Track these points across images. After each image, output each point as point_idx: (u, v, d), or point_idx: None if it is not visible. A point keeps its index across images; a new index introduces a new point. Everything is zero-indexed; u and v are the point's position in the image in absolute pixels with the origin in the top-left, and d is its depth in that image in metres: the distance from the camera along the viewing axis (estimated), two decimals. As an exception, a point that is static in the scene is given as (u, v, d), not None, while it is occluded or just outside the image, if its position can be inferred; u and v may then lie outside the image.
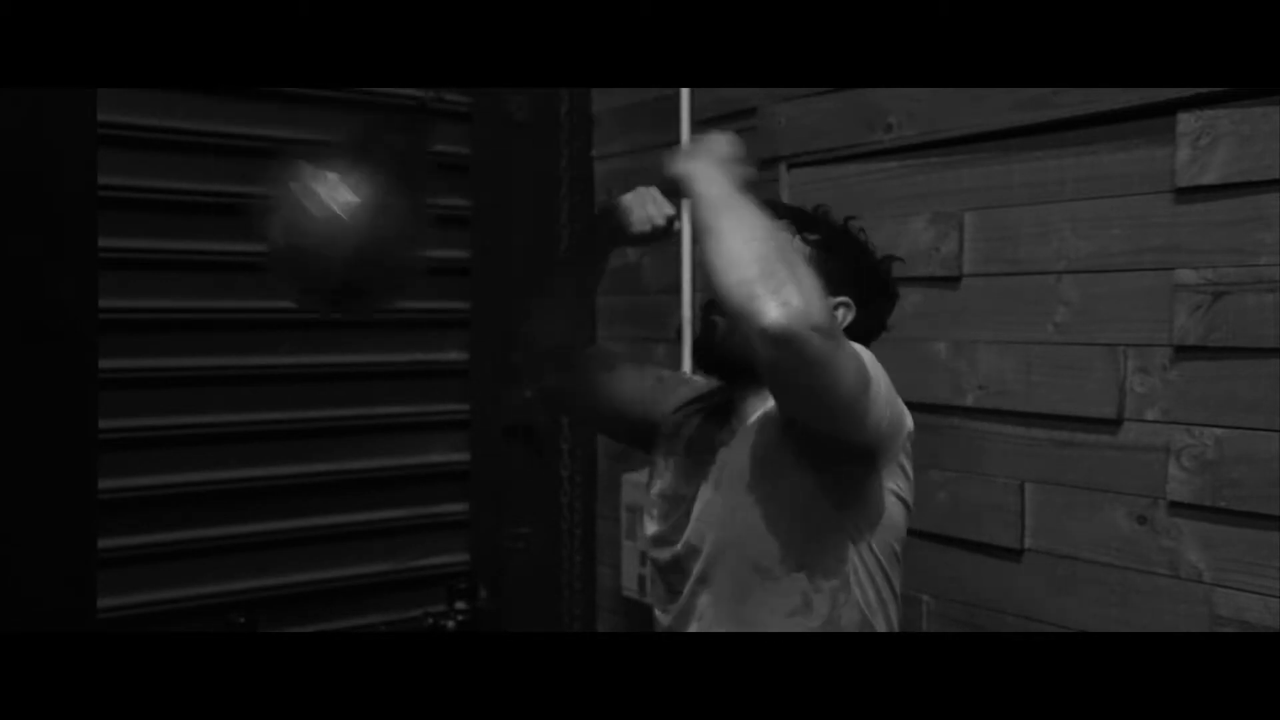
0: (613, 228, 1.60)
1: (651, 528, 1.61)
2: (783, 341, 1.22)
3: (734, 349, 1.47)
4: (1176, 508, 1.77)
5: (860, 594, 1.44)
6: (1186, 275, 1.75)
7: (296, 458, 2.58)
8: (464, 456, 2.79)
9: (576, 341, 1.69)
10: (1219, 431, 1.72)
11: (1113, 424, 1.85)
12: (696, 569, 1.50)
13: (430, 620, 2.58)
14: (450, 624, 2.56)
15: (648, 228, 1.55)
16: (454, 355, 2.77)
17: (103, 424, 2.27)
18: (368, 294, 1.46)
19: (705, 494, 1.51)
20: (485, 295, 2.76)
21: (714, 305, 1.53)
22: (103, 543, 2.28)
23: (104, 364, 2.26)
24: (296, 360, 2.56)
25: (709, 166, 1.39)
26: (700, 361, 1.61)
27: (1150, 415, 1.81)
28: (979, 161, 2.05)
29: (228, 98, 2.46)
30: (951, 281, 2.07)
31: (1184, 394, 1.76)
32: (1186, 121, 1.74)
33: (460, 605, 2.58)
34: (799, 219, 1.57)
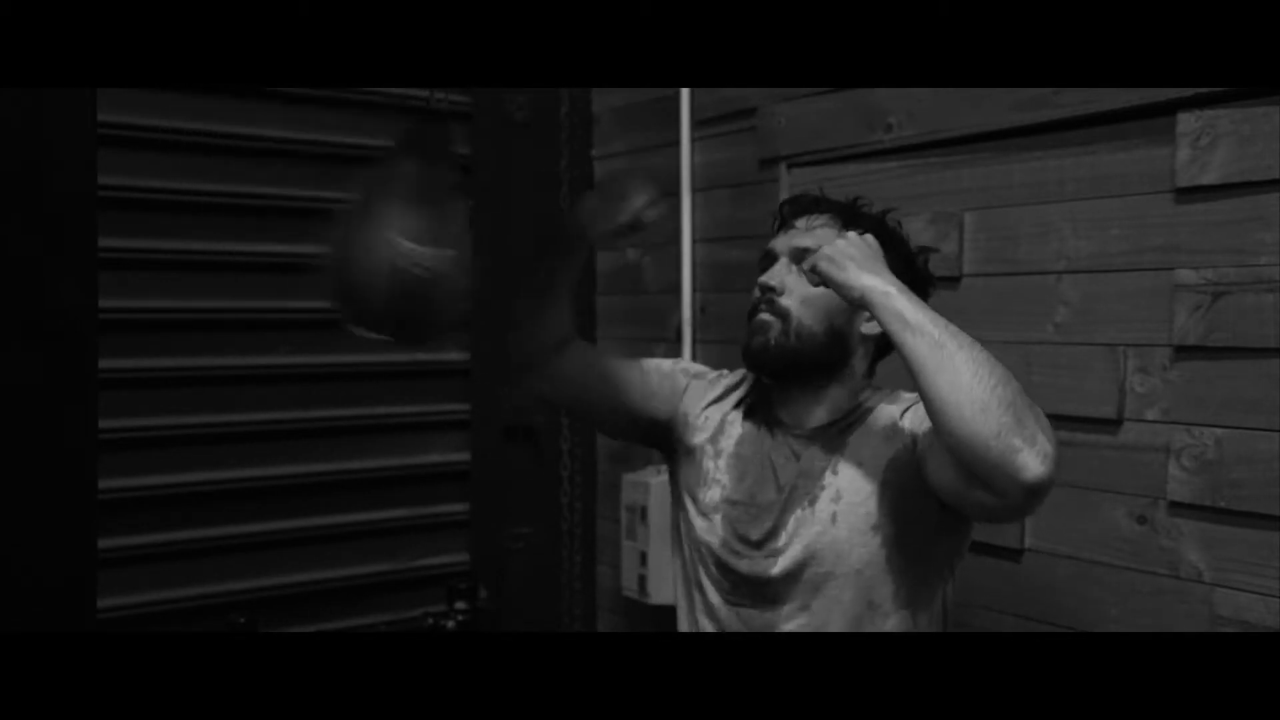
0: (582, 224, 1.54)
1: (709, 533, 1.55)
2: (1044, 490, 1.23)
3: (788, 350, 1.48)
4: (1176, 508, 1.77)
5: (943, 621, 1.47)
6: (1186, 275, 1.75)
7: (296, 458, 2.58)
8: (464, 456, 2.79)
9: (560, 344, 1.63)
10: (1219, 431, 1.72)
11: (1113, 424, 1.85)
12: (795, 592, 1.47)
13: (430, 620, 2.58)
14: (450, 624, 2.56)
15: (626, 218, 1.49)
16: (454, 355, 2.77)
17: (103, 424, 2.27)
18: (412, 327, 1.46)
19: (808, 519, 1.47)
20: (485, 295, 2.75)
21: (769, 304, 1.50)
22: (103, 543, 2.28)
23: (104, 364, 2.27)
24: (296, 360, 2.56)
25: (889, 281, 1.33)
26: (755, 363, 1.55)
27: (1150, 415, 1.80)
28: (979, 161, 2.05)
29: (227, 98, 2.46)
30: (951, 281, 2.07)
31: (1184, 394, 1.76)
32: (1186, 121, 1.74)
33: (460, 605, 2.58)
34: (843, 213, 1.55)
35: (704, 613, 1.57)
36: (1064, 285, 1.92)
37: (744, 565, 1.52)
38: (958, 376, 1.24)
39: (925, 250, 1.61)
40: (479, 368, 2.77)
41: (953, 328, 1.30)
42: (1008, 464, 1.21)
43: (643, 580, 2.61)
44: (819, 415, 1.53)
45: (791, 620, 1.47)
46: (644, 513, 2.59)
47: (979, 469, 1.25)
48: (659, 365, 1.71)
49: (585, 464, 2.94)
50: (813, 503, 1.47)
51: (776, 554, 1.49)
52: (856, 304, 1.36)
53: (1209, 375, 1.73)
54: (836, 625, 1.45)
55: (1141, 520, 1.82)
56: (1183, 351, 1.76)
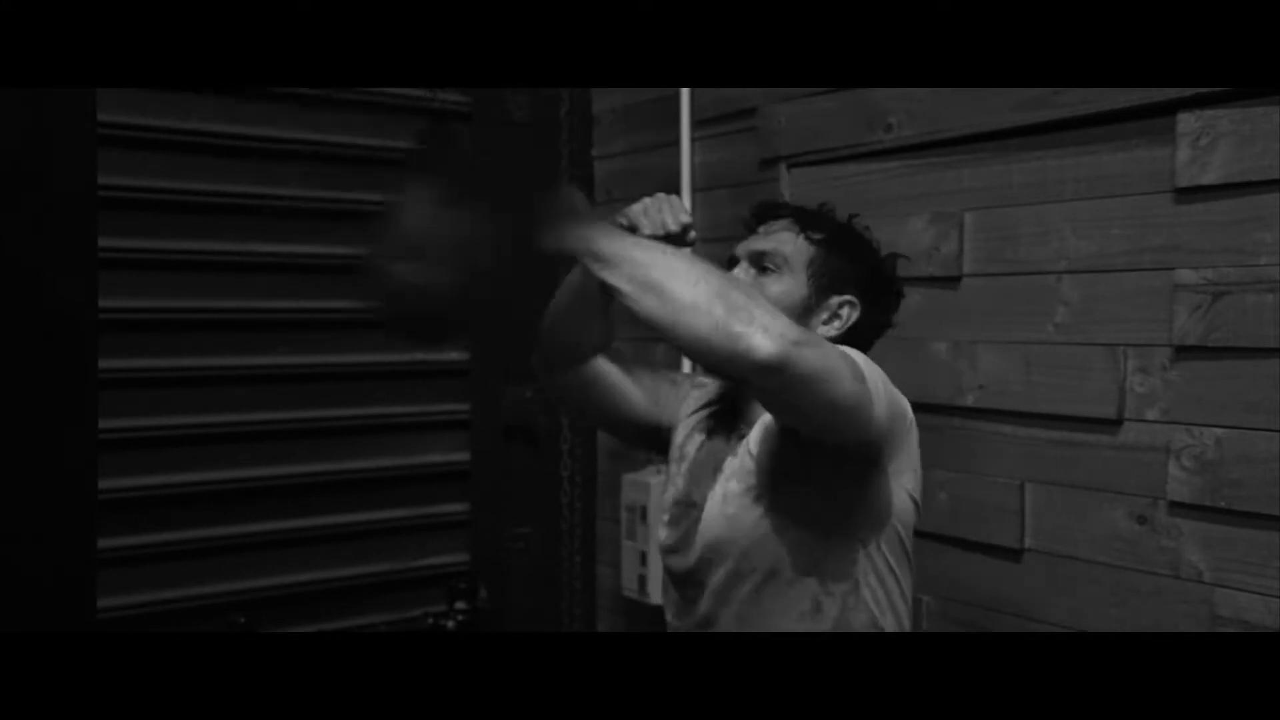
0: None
1: (663, 534, 1.59)
2: (779, 367, 1.21)
3: None
4: (1176, 508, 1.77)
5: (870, 595, 1.44)
6: (1186, 275, 1.75)
7: (296, 458, 2.58)
8: (464, 456, 2.79)
9: (593, 342, 1.63)
10: (1219, 431, 1.72)
11: (1113, 424, 1.85)
12: (712, 578, 1.49)
13: (430, 620, 2.58)
14: (450, 624, 2.56)
15: (660, 232, 1.44)
16: (454, 355, 2.77)
17: (103, 424, 2.27)
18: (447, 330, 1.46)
19: (713, 502, 1.50)
20: (485, 297, 2.75)
21: None
22: (103, 543, 2.28)
23: (104, 364, 2.27)
24: (296, 360, 2.56)
25: (587, 226, 1.32)
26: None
27: (1150, 415, 1.80)
28: (979, 161, 2.05)
29: (228, 98, 2.46)
30: (951, 281, 2.07)
31: (1184, 394, 1.76)
32: (1186, 121, 1.74)
33: (460, 605, 2.58)
34: (801, 218, 1.57)
35: (673, 616, 1.59)
36: (1064, 285, 1.92)
37: (675, 561, 1.55)
38: (663, 288, 1.24)
39: (893, 256, 1.60)
40: (479, 368, 2.77)
41: (645, 246, 1.31)
42: (735, 352, 1.20)
43: (643, 580, 2.61)
44: (762, 413, 1.52)
45: (720, 606, 1.48)
46: (644, 513, 2.59)
47: (714, 366, 1.28)
48: (671, 374, 1.74)
49: (585, 464, 2.94)
50: (715, 485, 1.50)
51: (691, 545, 1.52)
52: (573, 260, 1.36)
53: (1209, 375, 1.73)
54: (740, 601, 1.46)
55: (1141, 520, 1.82)
56: (1183, 351, 1.76)
